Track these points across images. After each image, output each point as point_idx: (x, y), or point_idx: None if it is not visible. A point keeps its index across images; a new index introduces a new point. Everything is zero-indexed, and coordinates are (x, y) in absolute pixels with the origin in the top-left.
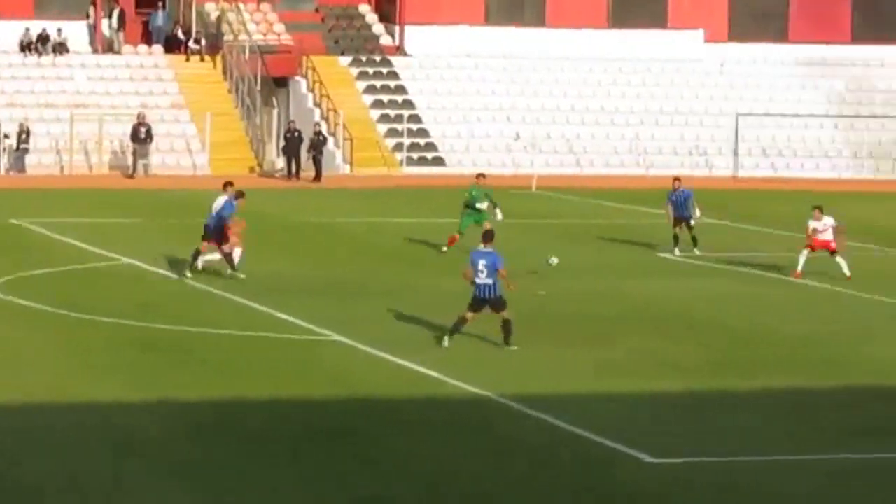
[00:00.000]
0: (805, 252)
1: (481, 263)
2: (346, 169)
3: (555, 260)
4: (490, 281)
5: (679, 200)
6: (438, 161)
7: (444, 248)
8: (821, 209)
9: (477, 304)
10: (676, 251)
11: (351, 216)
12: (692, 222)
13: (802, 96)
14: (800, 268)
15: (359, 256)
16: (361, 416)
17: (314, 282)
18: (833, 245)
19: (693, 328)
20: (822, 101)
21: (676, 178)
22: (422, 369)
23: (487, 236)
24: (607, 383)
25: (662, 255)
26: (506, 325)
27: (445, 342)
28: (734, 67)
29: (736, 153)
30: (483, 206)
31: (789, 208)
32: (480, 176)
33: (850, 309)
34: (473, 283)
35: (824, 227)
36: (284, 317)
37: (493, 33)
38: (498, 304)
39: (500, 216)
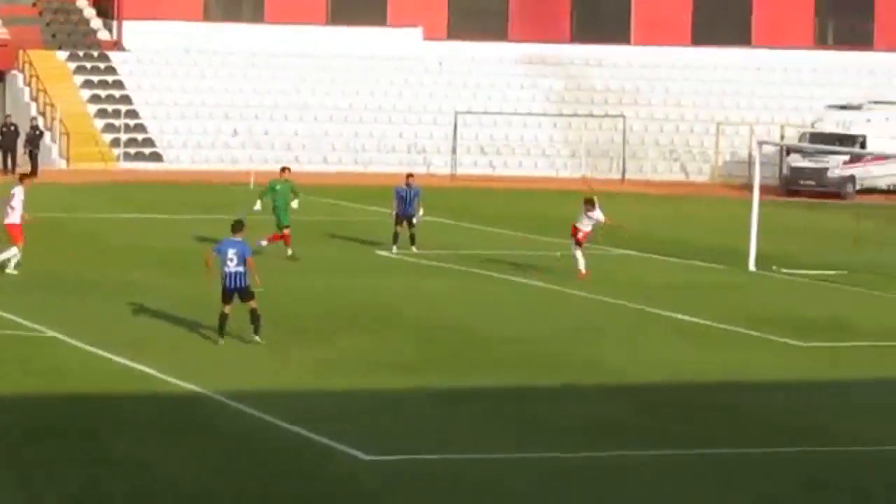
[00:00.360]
0: (577, 250)
1: (231, 252)
2: (63, 164)
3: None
4: (241, 269)
5: (408, 197)
6: (156, 157)
7: (265, 246)
8: (592, 202)
9: (227, 294)
10: (394, 249)
11: (69, 211)
12: (415, 220)
13: (521, 95)
14: (582, 268)
15: (78, 252)
16: (78, 415)
17: (32, 277)
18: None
19: (411, 326)
20: (540, 100)
21: (410, 175)
22: (141, 367)
23: (238, 226)
24: (325, 380)
25: (381, 252)
26: (254, 315)
27: (221, 342)
28: (453, 65)
29: (454, 151)
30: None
31: (507, 206)
32: (285, 170)
33: (569, 307)
34: (221, 273)
35: (591, 221)
36: (0, 313)
37: (211, 29)
38: (246, 294)
39: (296, 205)
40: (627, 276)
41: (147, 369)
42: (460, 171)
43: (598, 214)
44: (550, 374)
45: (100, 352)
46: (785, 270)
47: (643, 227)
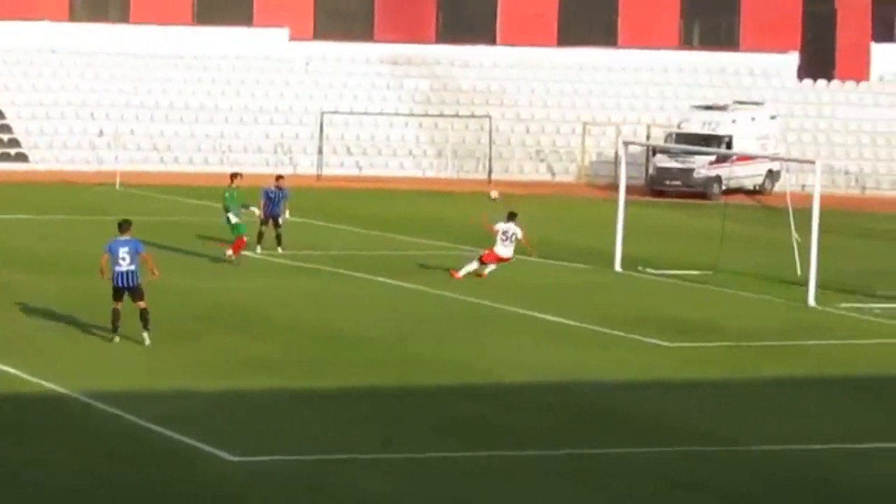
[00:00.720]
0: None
1: (123, 251)
2: None
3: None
4: (133, 267)
5: (276, 198)
6: (21, 157)
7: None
8: (515, 216)
9: (118, 293)
10: (259, 249)
11: None
12: (281, 221)
13: (387, 95)
14: (463, 273)
15: None
16: None
17: None
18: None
19: (277, 327)
20: (406, 100)
21: (279, 177)
22: (3, 367)
23: (125, 225)
24: (191, 381)
25: (246, 253)
26: (143, 315)
27: (116, 340)
28: (319, 66)
29: (320, 151)
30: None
31: (374, 207)
32: (236, 176)
33: (437, 308)
34: (112, 273)
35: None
36: None
37: (76, 29)
38: (137, 293)
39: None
40: (495, 276)
41: (10, 369)
42: (326, 171)
43: (515, 229)
44: (417, 375)
45: None
46: (651, 271)
47: None
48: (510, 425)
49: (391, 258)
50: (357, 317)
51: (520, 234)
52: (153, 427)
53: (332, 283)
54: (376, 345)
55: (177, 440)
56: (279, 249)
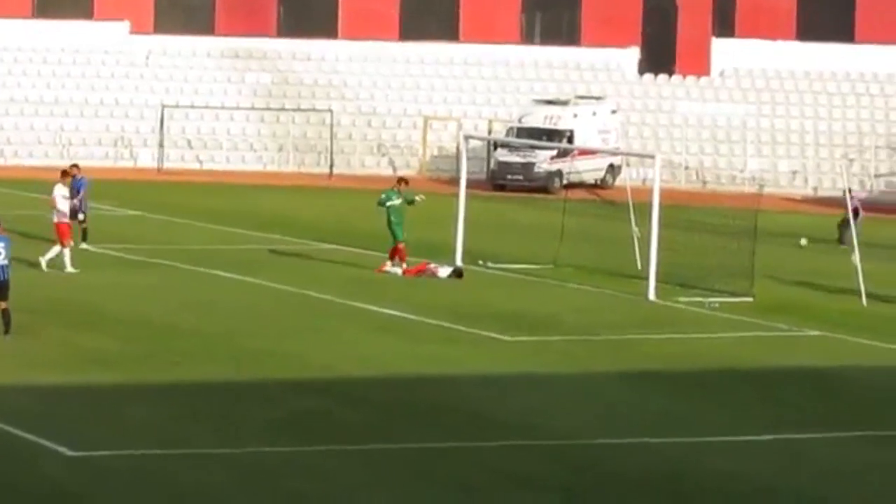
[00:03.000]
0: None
1: (1, 246)
2: None
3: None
4: (6, 262)
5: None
6: None
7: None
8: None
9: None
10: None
11: None
12: (80, 216)
13: (229, 89)
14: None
15: None
16: None
17: None
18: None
19: (114, 321)
20: (248, 94)
21: (74, 166)
22: None
23: None
24: (27, 375)
25: (84, 246)
26: (5, 314)
27: (7, 339)
28: (160, 59)
29: (161, 145)
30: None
31: (215, 201)
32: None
33: (275, 302)
34: None
35: None
36: None
37: None
38: (5, 290)
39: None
40: (332, 270)
41: None
42: (167, 165)
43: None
44: (254, 369)
45: None
46: (492, 265)
47: (349, 222)
48: (347, 420)
49: (230, 252)
50: (194, 311)
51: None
52: None
53: (170, 278)
54: (213, 339)
55: (13, 435)
56: (84, 245)
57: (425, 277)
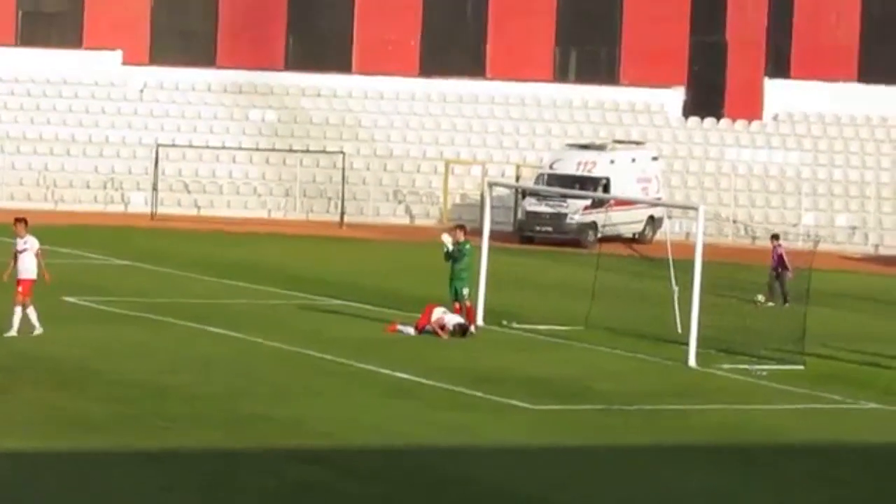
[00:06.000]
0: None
1: None
2: None
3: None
4: None
5: None
6: None
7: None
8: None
9: None
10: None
11: None
12: None
13: (231, 127)
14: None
15: None
16: None
17: None
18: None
19: (99, 380)
20: (252, 133)
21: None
22: None
23: None
24: (0, 440)
25: (69, 299)
26: None
27: None
28: (155, 93)
29: (155, 188)
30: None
31: (213, 251)
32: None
33: (274, 362)
34: None
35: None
36: None
37: None
38: None
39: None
40: (339, 327)
41: None
42: (161, 210)
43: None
44: (248, 435)
45: None
46: (517, 325)
47: (359, 275)
48: (350, 494)
49: (228, 307)
50: (186, 371)
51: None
52: None
53: (161, 334)
54: (206, 401)
55: None
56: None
57: (432, 328)
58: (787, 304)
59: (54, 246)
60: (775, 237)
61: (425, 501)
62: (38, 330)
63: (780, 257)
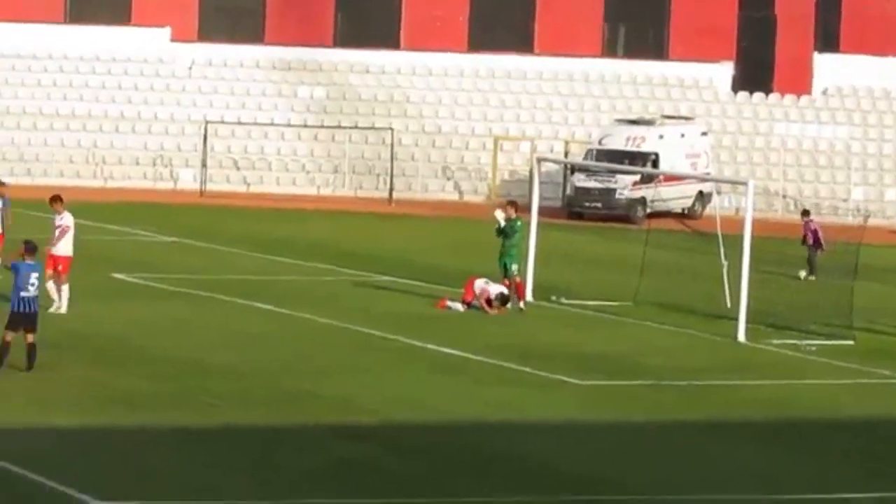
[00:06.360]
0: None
1: (34, 276)
2: None
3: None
4: (37, 294)
5: None
6: None
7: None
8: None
9: (18, 322)
10: None
11: None
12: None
13: (279, 103)
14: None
15: None
16: None
17: None
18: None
19: (141, 357)
20: (300, 110)
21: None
22: None
23: (31, 247)
24: (47, 416)
25: (118, 275)
26: (31, 350)
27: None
28: (204, 70)
29: (204, 165)
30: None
31: (260, 227)
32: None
33: (321, 338)
34: (16, 298)
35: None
36: None
37: None
38: (33, 323)
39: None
40: (387, 304)
41: None
42: (210, 187)
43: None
44: (294, 412)
45: None
46: (565, 301)
47: (409, 252)
48: (395, 471)
49: (275, 283)
50: (231, 347)
51: None
52: (7, 466)
53: (207, 311)
54: (251, 378)
55: (33, 482)
56: None
57: (478, 303)
58: (812, 277)
59: (104, 223)
60: (805, 213)
61: (472, 478)
62: (62, 309)
63: (815, 233)
